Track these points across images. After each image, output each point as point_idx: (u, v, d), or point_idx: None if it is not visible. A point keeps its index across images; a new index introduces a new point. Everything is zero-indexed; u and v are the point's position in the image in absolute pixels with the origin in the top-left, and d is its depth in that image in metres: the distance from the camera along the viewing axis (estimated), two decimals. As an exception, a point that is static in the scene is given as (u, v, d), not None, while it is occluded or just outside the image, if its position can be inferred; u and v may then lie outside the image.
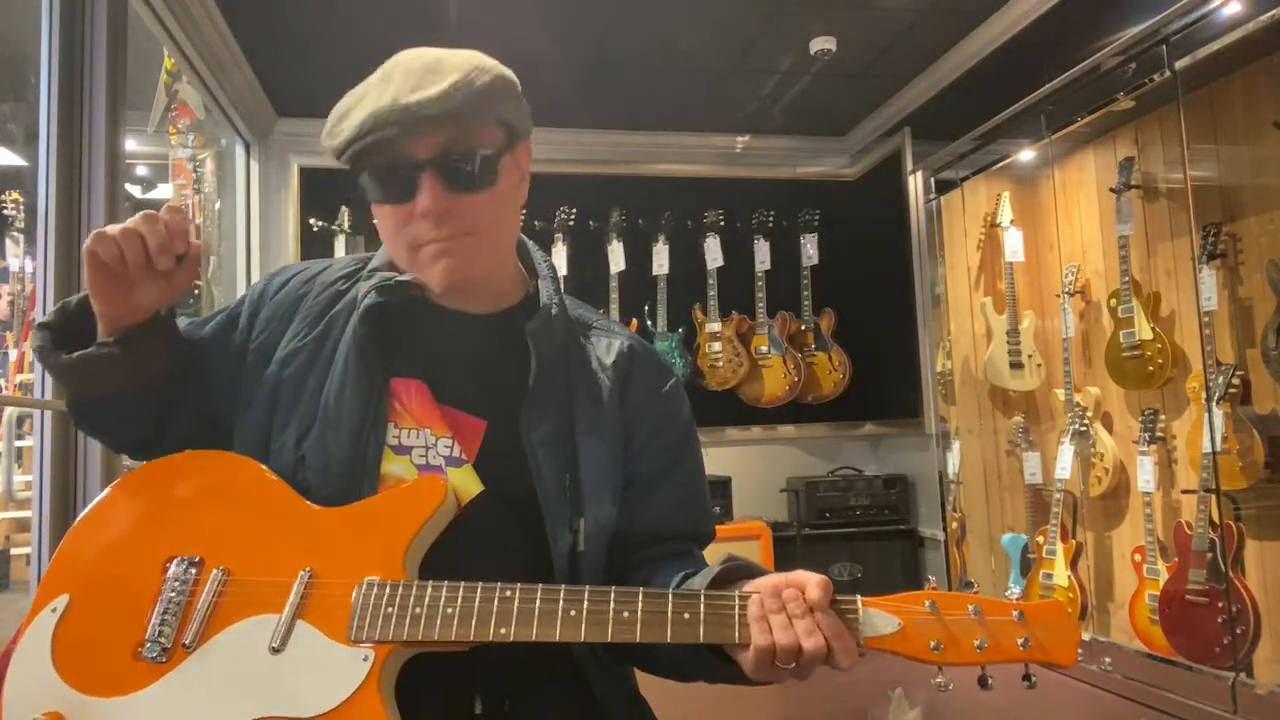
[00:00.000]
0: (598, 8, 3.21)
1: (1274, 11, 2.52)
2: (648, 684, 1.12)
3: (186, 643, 0.92)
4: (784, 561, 4.15)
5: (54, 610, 0.96)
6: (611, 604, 0.87)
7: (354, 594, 0.91)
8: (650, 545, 1.07)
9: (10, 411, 2.63)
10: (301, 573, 0.93)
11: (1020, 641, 0.83)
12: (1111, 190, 3.33)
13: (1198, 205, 2.95)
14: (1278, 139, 2.86)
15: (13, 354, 3.24)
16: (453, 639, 0.88)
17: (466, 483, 1.02)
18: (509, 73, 1.02)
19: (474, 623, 0.87)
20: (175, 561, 0.96)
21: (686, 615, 0.86)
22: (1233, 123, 3.03)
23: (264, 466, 1.02)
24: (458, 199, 0.96)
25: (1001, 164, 3.98)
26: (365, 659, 0.88)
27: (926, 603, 0.85)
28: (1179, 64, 2.83)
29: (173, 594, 0.94)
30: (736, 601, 0.86)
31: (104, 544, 0.99)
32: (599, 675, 1.02)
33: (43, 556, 1.97)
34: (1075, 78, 3.24)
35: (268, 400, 1.05)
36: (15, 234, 3.26)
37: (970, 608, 0.84)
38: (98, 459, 2.05)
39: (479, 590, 0.88)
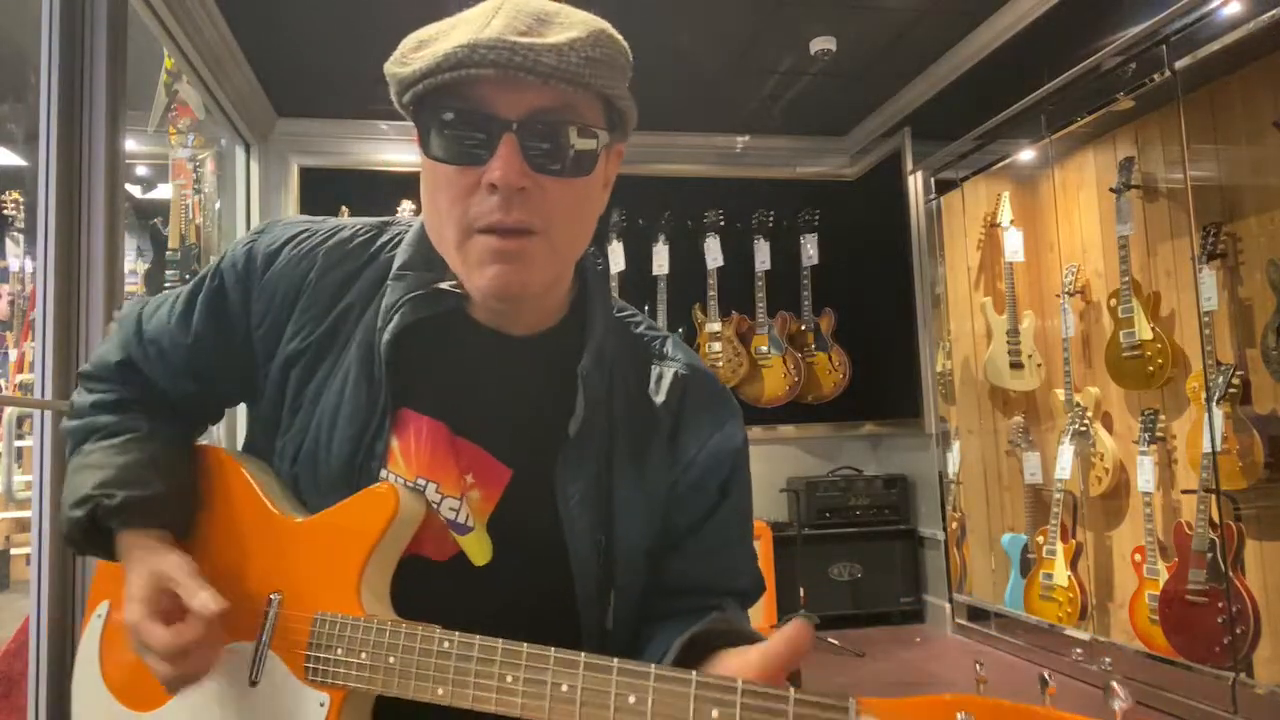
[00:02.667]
0: (598, 8, 3.21)
1: (1274, 11, 2.52)
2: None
3: None
4: (784, 561, 4.15)
5: (99, 615, 0.95)
6: (550, 672, 0.73)
7: (310, 627, 0.85)
8: (674, 598, 0.92)
9: (10, 411, 2.63)
10: (272, 596, 0.88)
11: None
12: (1111, 190, 3.33)
13: (1198, 205, 2.95)
14: (1278, 139, 2.86)
15: (13, 354, 3.24)
16: (394, 694, 0.79)
17: (475, 550, 0.89)
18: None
19: (413, 679, 0.78)
20: None
21: (632, 699, 0.69)
22: (1233, 123, 3.03)
23: (242, 468, 0.94)
24: (540, 179, 0.77)
25: (1001, 164, 3.98)
26: (322, 704, 0.82)
27: (958, 717, 0.59)
28: (1179, 64, 2.83)
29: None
30: (692, 688, 0.68)
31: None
32: None
33: (43, 556, 1.97)
34: (1075, 78, 3.24)
35: (273, 399, 0.92)
36: (15, 234, 3.27)
37: None
38: (98, 459, 2.04)
39: (418, 638, 0.78)
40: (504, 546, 0.88)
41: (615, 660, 0.71)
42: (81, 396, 0.97)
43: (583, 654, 0.72)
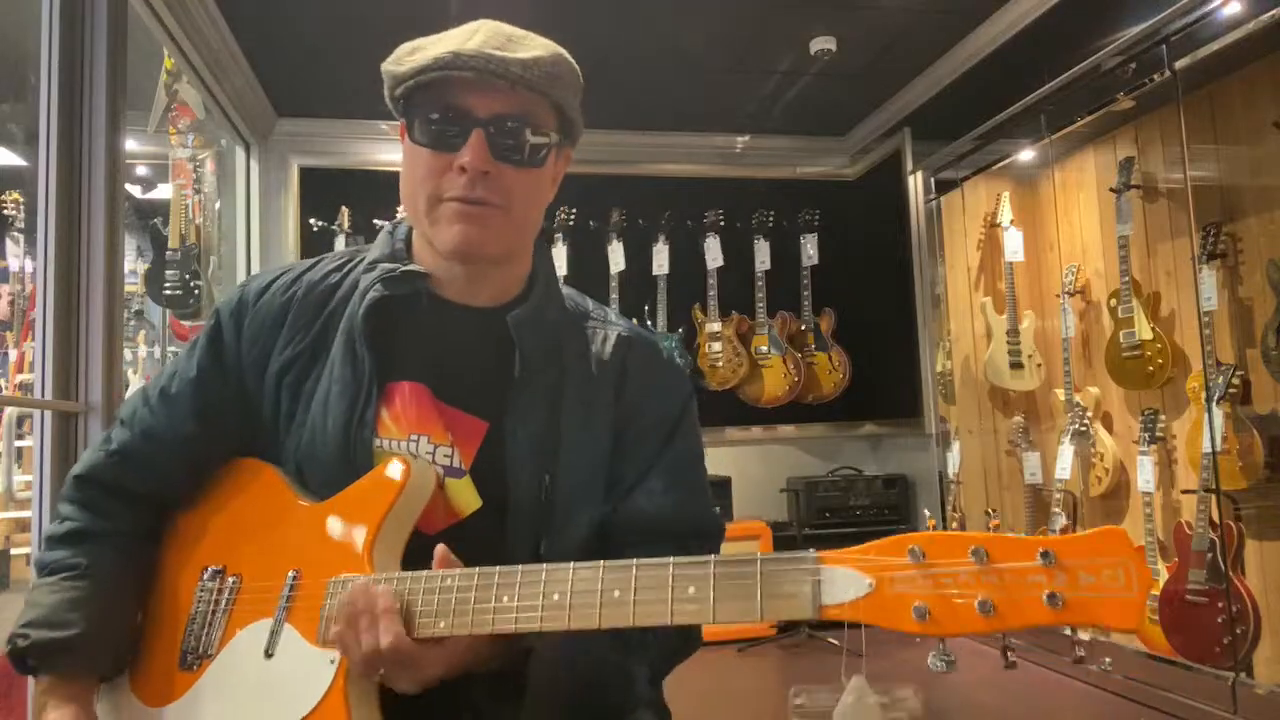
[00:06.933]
0: (598, 8, 3.21)
1: (1274, 11, 2.52)
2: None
3: (210, 651, 0.94)
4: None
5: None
6: (543, 585, 0.79)
7: (324, 592, 0.90)
8: (640, 543, 0.99)
9: (10, 411, 2.64)
10: (290, 573, 0.93)
11: (1047, 597, 0.59)
12: (1111, 190, 3.33)
13: (1198, 205, 2.95)
14: (1278, 139, 2.86)
15: (13, 354, 3.24)
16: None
17: (467, 496, 0.97)
18: (579, 76, 1.02)
19: (417, 617, 0.83)
20: (207, 571, 0.99)
21: (617, 593, 0.76)
22: (1233, 123, 3.03)
23: (269, 466, 1.01)
24: (501, 167, 0.94)
25: (1001, 164, 3.98)
26: (332, 662, 0.86)
27: (910, 550, 0.64)
28: (1179, 64, 2.83)
29: (200, 604, 0.97)
30: (670, 570, 0.74)
31: (163, 560, 1.04)
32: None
33: (43, 556, 1.97)
34: (1075, 78, 3.24)
35: (270, 413, 1.01)
36: (15, 234, 3.27)
37: (971, 551, 0.61)
38: (98, 459, 2.04)
39: (423, 579, 0.85)
40: (485, 494, 0.98)
41: (601, 562, 0.78)
42: (49, 526, 1.03)
43: (573, 564, 0.79)
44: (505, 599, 0.79)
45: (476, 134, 0.93)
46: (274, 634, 0.91)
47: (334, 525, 0.93)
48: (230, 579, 0.97)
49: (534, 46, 0.95)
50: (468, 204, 0.94)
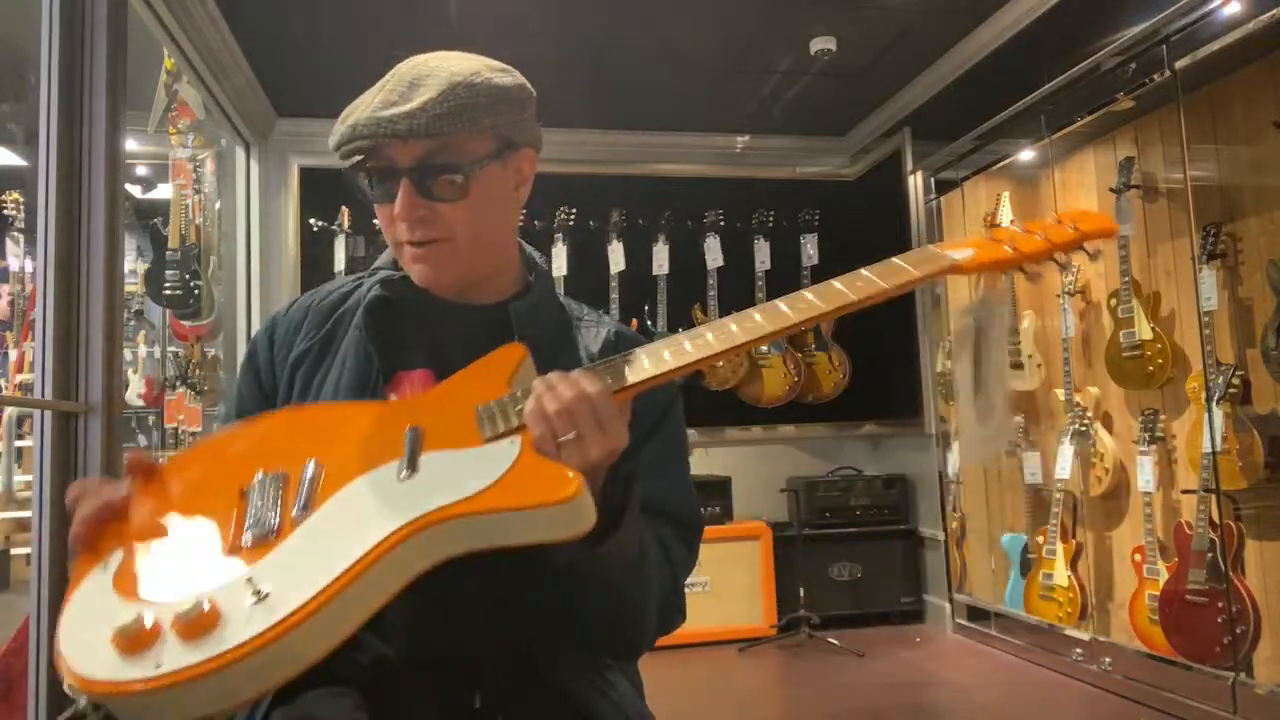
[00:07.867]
0: (598, 8, 3.21)
1: (1274, 11, 2.52)
2: (648, 679, 1.12)
3: (294, 515, 0.84)
4: (784, 561, 4.15)
5: (105, 567, 0.83)
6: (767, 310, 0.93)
7: (473, 416, 0.89)
8: None
9: (10, 411, 2.64)
10: (409, 430, 0.88)
11: (1070, 228, 1.03)
12: (1111, 190, 3.33)
13: (1198, 205, 2.95)
14: (1278, 139, 2.86)
15: (13, 354, 3.24)
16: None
17: None
18: (507, 83, 1.03)
19: (607, 379, 0.89)
20: (257, 478, 0.88)
21: (809, 294, 0.94)
22: (1233, 123, 3.03)
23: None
24: (432, 206, 1.00)
25: (1001, 164, 3.98)
26: (513, 443, 0.85)
27: (985, 232, 1.05)
28: (1179, 64, 2.84)
29: (260, 499, 0.86)
30: (863, 270, 0.95)
31: (167, 496, 0.90)
32: (577, 685, 1.00)
33: (43, 556, 1.97)
34: (1075, 78, 3.24)
35: (284, 401, 1.09)
36: (15, 234, 3.27)
37: (1018, 229, 1.04)
38: (98, 459, 2.05)
39: (593, 366, 0.92)
40: None
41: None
42: None
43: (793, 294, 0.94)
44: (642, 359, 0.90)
45: (403, 184, 0.99)
46: (409, 463, 0.85)
47: (458, 388, 0.94)
48: (309, 463, 0.88)
49: (431, 86, 0.97)
50: (415, 246, 1.02)
